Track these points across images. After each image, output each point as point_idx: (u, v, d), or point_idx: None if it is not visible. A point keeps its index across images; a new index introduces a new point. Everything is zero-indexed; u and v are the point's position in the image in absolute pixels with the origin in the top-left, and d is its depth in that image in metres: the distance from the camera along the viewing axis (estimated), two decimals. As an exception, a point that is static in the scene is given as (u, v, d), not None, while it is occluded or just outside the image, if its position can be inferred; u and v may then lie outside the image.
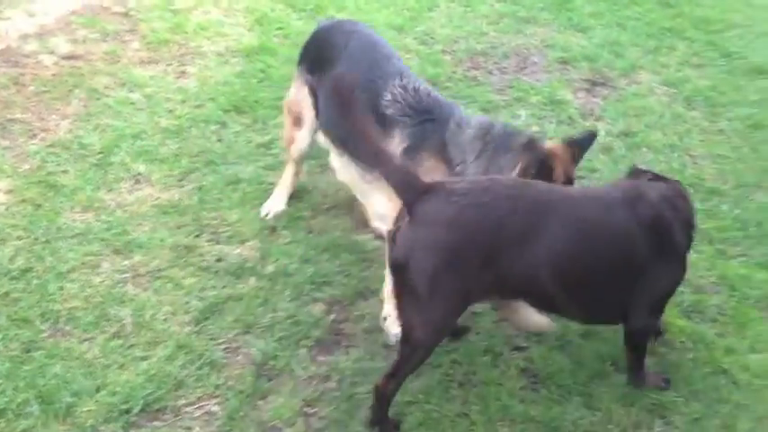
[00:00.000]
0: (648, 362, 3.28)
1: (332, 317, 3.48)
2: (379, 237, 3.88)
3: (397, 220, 2.83)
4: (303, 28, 5.53)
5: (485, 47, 5.65)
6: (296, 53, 5.10)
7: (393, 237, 2.80)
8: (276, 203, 4.01)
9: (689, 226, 3.12)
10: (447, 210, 2.72)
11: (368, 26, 4.04)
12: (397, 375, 2.90)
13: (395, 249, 2.77)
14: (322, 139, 3.80)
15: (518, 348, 3.40)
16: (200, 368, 3.17)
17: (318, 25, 4.01)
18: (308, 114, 3.78)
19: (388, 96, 3.37)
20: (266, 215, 3.96)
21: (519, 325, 3.45)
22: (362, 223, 3.96)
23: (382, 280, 3.61)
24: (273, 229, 3.90)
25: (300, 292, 3.57)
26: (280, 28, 5.55)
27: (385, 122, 3.29)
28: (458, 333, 3.38)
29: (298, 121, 3.85)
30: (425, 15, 5.93)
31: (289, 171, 4.04)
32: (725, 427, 3.07)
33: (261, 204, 4.03)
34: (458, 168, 3.23)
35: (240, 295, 3.51)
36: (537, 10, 6.19)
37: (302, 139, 3.88)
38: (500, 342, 3.41)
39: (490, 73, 5.38)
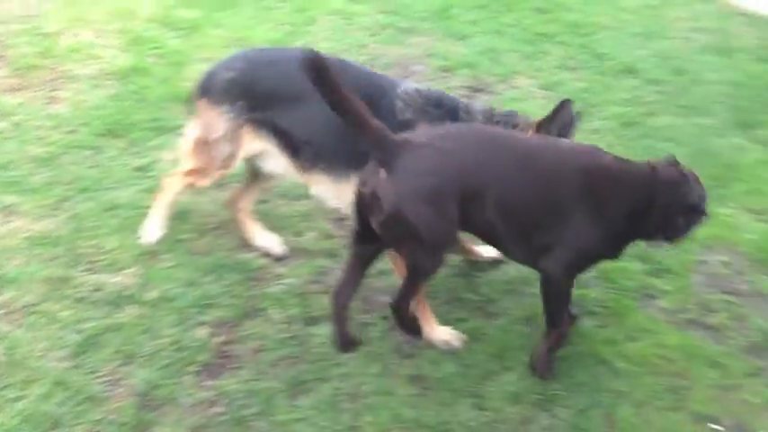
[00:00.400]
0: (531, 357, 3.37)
1: (218, 339, 3.41)
2: (265, 254, 3.87)
3: (366, 182, 3.04)
4: (180, 47, 5.46)
5: (367, 58, 5.67)
6: (173, 73, 5.12)
7: (365, 196, 3.04)
8: (155, 229, 3.89)
9: (638, 201, 3.12)
10: (423, 160, 3.02)
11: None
12: (408, 296, 3.24)
13: (384, 203, 2.98)
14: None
15: (407, 356, 3.41)
16: (78, 404, 3.04)
17: (246, 58, 3.72)
18: (246, 152, 3.66)
19: (400, 104, 3.46)
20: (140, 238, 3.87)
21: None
22: (247, 242, 3.93)
23: (270, 297, 3.60)
24: (154, 254, 3.81)
25: (184, 316, 3.49)
26: (155, 47, 5.44)
27: (409, 127, 3.34)
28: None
29: (228, 160, 3.67)
30: (305, 30, 5.92)
31: (167, 197, 3.89)
32: (608, 416, 3.16)
33: (140, 229, 3.93)
34: None
35: (120, 325, 3.40)
36: (418, 20, 6.28)
37: (228, 171, 3.75)
38: (389, 351, 3.42)
39: (372, 84, 5.41)
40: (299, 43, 5.69)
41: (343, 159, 3.49)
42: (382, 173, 2.98)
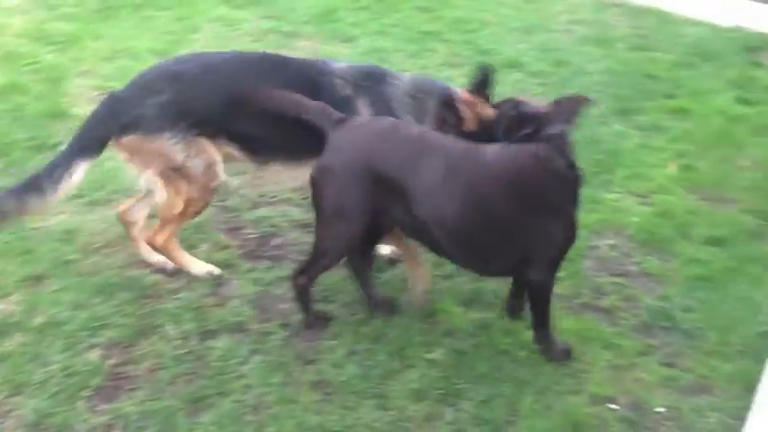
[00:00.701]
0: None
1: (111, 361, 3.29)
2: (159, 270, 3.77)
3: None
4: (56, 61, 5.27)
5: (251, 65, 5.61)
6: (51, 88, 4.94)
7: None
8: (201, 265, 3.80)
9: (565, 181, 3.19)
10: (350, 136, 3.24)
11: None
12: (307, 272, 3.40)
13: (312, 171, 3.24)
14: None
15: (309, 362, 3.38)
16: (-36, 441, 2.91)
17: (170, 75, 3.53)
18: (219, 158, 3.58)
19: (339, 81, 3.56)
20: (210, 273, 3.77)
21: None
22: (137, 258, 3.82)
23: (164, 313, 3.50)
24: (39, 278, 3.66)
25: (74, 340, 3.35)
26: (30, 63, 5.24)
27: (350, 103, 3.51)
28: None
29: (209, 172, 3.56)
30: (189, 38, 5.82)
31: (175, 242, 3.74)
32: (510, 405, 3.20)
33: (24, 253, 3.77)
34: None
35: (5, 354, 3.24)
36: (301, 23, 6.25)
37: (220, 183, 3.65)
38: (291, 359, 3.37)
39: (259, 90, 5.35)
40: (184, 52, 5.58)
41: (296, 146, 3.55)
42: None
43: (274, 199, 4.32)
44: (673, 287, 3.86)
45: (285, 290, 3.70)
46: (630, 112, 5.41)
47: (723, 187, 4.69)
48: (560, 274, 3.86)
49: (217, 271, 3.78)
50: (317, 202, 3.29)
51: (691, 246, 4.13)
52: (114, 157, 4.33)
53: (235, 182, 4.35)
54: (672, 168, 4.81)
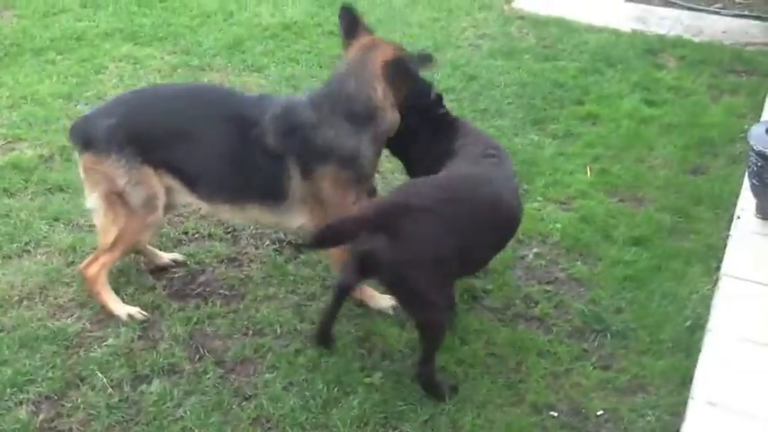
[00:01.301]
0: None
1: (41, 417, 3.18)
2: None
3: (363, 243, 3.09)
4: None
5: (163, 101, 5.52)
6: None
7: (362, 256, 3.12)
8: (123, 307, 3.70)
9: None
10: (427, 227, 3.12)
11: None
12: (430, 359, 3.24)
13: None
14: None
15: (247, 398, 3.32)
16: None
17: (124, 102, 3.69)
18: (162, 194, 3.56)
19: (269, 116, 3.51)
20: (130, 316, 3.66)
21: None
22: (59, 308, 3.69)
23: (93, 362, 3.39)
24: (-44, 338, 3.51)
25: (0, 398, 3.22)
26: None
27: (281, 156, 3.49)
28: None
29: (148, 205, 3.54)
30: (94, 79, 5.68)
31: (104, 281, 3.68)
32: (453, 423, 3.20)
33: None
34: None
35: (-74, 421, 3.10)
36: (209, 56, 6.18)
37: (159, 218, 3.67)
38: (228, 396, 3.30)
39: (173, 126, 5.26)
40: (90, 94, 5.46)
41: (236, 190, 3.58)
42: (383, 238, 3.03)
43: (197, 235, 4.24)
44: (601, 290, 3.94)
45: (216, 327, 3.64)
46: (544, 121, 5.52)
47: (639, 188, 4.82)
48: (489, 286, 3.95)
49: (140, 315, 3.67)
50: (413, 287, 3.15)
51: (614, 248, 4.22)
52: (27, 206, 4.25)
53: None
54: (589, 173, 4.92)
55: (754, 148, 4.10)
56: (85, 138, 3.52)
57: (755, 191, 4.25)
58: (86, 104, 5.20)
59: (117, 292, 3.76)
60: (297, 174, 3.51)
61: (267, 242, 4.23)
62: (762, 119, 5.20)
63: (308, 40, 6.59)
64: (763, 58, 6.61)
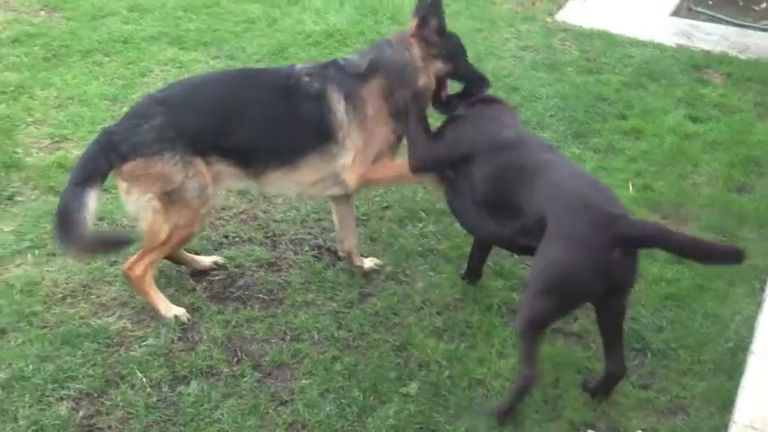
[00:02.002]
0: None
1: (81, 413, 3.21)
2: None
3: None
4: (6, 112, 5.19)
5: (207, 104, 5.58)
6: (2, 139, 4.84)
7: None
8: (171, 308, 3.75)
9: None
10: None
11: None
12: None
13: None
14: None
15: (284, 403, 3.33)
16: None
17: (160, 101, 3.66)
18: (211, 184, 3.64)
19: (305, 78, 3.72)
20: (175, 317, 3.72)
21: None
22: (102, 306, 3.74)
23: (133, 361, 3.42)
24: (2, 333, 3.55)
25: (42, 393, 3.26)
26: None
27: (322, 94, 3.70)
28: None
29: (202, 195, 3.61)
30: (139, 81, 5.75)
31: (151, 280, 3.73)
32: (489, 435, 3.20)
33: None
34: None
35: (-31, 414, 3.15)
36: (253, 62, 6.18)
37: (211, 206, 3.77)
38: (265, 400, 3.32)
39: (216, 130, 5.32)
40: (135, 96, 5.52)
41: (289, 149, 3.71)
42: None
43: (237, 239, 4.27)
44: (641, 307, 3.90)
45: (254, 330, 3.66)
46: (586, 135, 5.48)
47: (682, 205, 4.77)
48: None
49: (185, 318, 3.72)
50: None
51: (656, 265, 4.17)
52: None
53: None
54: (631, 189, 4.87)
55: (802, 168, 4.03)
56: (127, 148, 3.49)
57: (802, 212, 4.18)
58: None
59: (160, 290, 3.80)
60: (340, 105, 3.73)
61: (306, 248, 4.25)
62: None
63: (351, 48, 6.60)
64: (811, 77, 6.51)
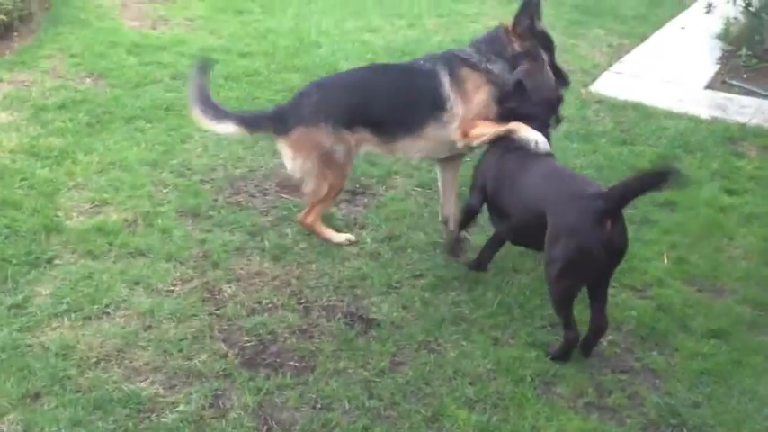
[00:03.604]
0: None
1: (111, 480, 3.22)
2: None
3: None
4: (49, 176, 5.30)
5: (244, 171, 5.68)
6: (44, 203, 4.97)
7: None
8: (340, 235, 4.92)
9: None
10: None
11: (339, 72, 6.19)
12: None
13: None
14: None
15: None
16: None
17: (318, 85, 4.92)
18: (354, 148, 4.74)
19: (422, 63, 4.87)
20: (347, 241, 4.89)
21: None
22: (135, 371, 3.77)
23: (164, 428, 3.43)
24: (36, 396, 3.58)
25: (73, 459, 3.29)
26: (23, 179, 5.26)
27: (434, 70, 4.74)
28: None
29: (347, 158, 4.72)
30: (180, 148, 5.88)
31: (320, 223, 4.88)
32: None
33: (20, 370, 3.71)
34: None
35: (2, 477, 3.17)
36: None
37: (351, 167, 4.90)
38: None
39: (253, 196, 5.40)
40: (175, 162, 5.65)
41: (412, 119, 4.69)
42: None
43: (270, 305, 4.30)
44: (677, 382, 3.84)
45: (285, 398, 3.65)
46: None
47: (717, 278, 4.72)
48: (562, 371, 3.89)
49: (352, 237, 4.90)
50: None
51: (692, 339, 4.12)
52: (109, 269, 4.38)
53: (229, 289, 4.36)
54: (666, 260, 4.84)
55: (841, 243, 4.01)
56: (294, 119, 4.62)
57: (841, 287, 4.14)
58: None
59: (188, 358, 3.83)
60: (447, 80, 4.67)
61: (339, 315, 4.25)
62: None
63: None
64: None
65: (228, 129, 4.71)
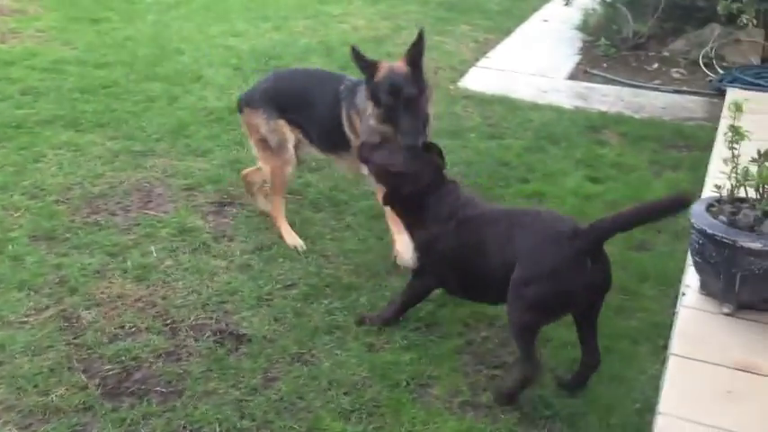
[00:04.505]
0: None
1: None
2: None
3: None
4: None
5: (103, 188, 5.42)
6: None
7: None
8: (294, 238, 4.91)
9: None
10: None
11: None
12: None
13: None
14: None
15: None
16: None
17: (274, 78, 5.12)
18: (291, 138, 4.85)
19: (341, 87, 4.68)
20: (295, 247, 4.86)
21: None
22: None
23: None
24: None
25: None
26: None
27: (339, 105, 4.65)
28: None
29: (281, 147, 4.84)
30: (31, 167, 5.56)
31: (279, 201, 4.98)
32: None
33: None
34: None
35: None
36: (153, 141, 6.12)
37: (292, 157, 4.90)
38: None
39: (113, 214, 5.14)
40: (26, 183, 5.34)
41: (331, 142, 4.79)
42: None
43: (133, 329, 4.09)
44: (550, 373, 3.86)
45: (152, 428, 3.48)
46: (490, 200, 5.49)
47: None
48: (436, 373, 3.86)
49: (301, 247, 4.86)
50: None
51: (562, 330, 4.15)
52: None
53: (89, 316, 4.13)
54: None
55: (695, 226, 4.12)
56: (246, 98, 4.95)
57: (698, 268, 4.25)
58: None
59: (45, 394, 3.60)
60: (346, 119, 4.62)
61: (207, 333, 4.09)
62: (703, 194, 5.25)
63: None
64: (702, 133, 6.74)
65: None
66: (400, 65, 4.31)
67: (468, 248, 3.75)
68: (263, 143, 4.86)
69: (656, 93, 7.86)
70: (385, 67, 4.31)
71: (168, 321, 4.17)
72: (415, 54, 4.29)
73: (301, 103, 4.79)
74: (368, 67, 4.31)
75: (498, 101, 7.37)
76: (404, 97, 4.22)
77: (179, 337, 4.07)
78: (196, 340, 4.05)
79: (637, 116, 7.13)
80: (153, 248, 4.77)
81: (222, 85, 7.24)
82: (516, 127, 6.80)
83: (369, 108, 4.37)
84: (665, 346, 4.02)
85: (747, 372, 3.76)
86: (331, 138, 4.72)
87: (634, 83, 8.06)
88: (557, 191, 5.67)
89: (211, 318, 4.22)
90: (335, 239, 5.01)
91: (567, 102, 7.41)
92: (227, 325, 4.16)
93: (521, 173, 5.95)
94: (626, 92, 7.85)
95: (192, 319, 4.19)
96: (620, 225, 3.49)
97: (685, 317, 4.19)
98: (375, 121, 4.35)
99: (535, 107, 7.24)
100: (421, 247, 3.97)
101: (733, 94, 7.21)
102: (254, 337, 4.07)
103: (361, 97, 4.46)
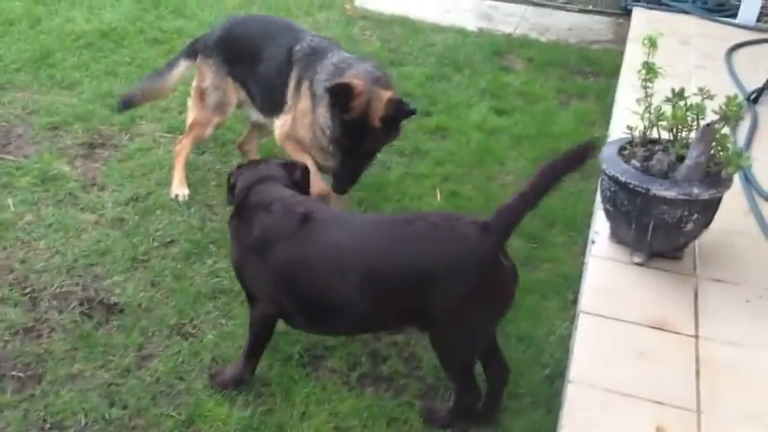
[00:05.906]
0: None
1: None
2: None
3: None
4: None
5: (-51, 129, 4.78)
6: None
7: None
8: (182, 187, 4.44)
9: None
10: None
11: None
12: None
13: None
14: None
15: None
16: None
17: (227, 25, 4.51)
18: (233, 101, 4.43)
19: (297, 47, 4.13)
20: (176, 196, 4.40)
21: None
22: None
23: None
24: None
25: None
26: None
27: (291, 65, 4.10)
28: None
29: (218, 108, 4.42)
30: None
31: (188, 146, 4.51)
32: None
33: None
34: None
35: None
36: (11, 72, 5.45)
37: (222, 119, 4.52)
38: None
39: (-39, 163, 4.54)
40: None
41: (273, 109, 4.22)
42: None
43: (-14, 301, 3.59)
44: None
45: (6, 422, 3.03)
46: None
47: (491, 210, 4.47)
48: (333, 342, 3.52)
49: (183, 197, 4.41)
50: None
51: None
52: None
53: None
54: (438, 197, 4.56)
55: (607, 172, 3.83)
56: (200, 44, 4.47)
57: (609, 216, 3.99)
58: None
59: None
60: (294, 83, 4.10)
61: (74, 303, 3.62)
62: (610, 127, 5.00)
63: (129, 48, 5.96)
64: (608, 58, 6.49)
65: (179, 69, 4.54)
66: (379, 106, 3.71)
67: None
68: (202, 94, 4.41)
69: (562, 12, 7.55)
70: (363, 95, 3.71)
71: (27, 290, 3.68)
72: (403, 113, 3.85)
73: (252, 58, 4.27)
74: (341, 92, 3.73)
75: (399, 22, 6.91)
76: (362, 150, 3.86)
77: (40, 309, 3.58)
78: (60, 312, 3.57)
79: (542, 39, 6.82)
80: (10, 201, 4.22)
81: (92, 5, 6.51)
82: (418, 52, 6.38)
83: (323, 109, 3.91)
84: (575, 301, 3.78)
85: (660, 329, 3.55)
86: (274, 99, 4.17)
87: (539, 1, 7.70)
88: (461, 125, 5.32)
89: (78, 284, 3.74)
90: (222, 185, 4.54)
91: (471, 23, 7.02)
92: (96, 292, 3.70)
93: (423, 105, 5.54)
94: (531, 11, 7.50)
95: (55, 286, 3.70)
96: (530, 203, 2.96)
97: (595, 268, 3.93)
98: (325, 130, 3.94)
99: (438, 29, 6.82)
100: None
101: (639, 14, 6.96)
102: (128, 307, 3.63)
103: (322, 77, 3.93)
